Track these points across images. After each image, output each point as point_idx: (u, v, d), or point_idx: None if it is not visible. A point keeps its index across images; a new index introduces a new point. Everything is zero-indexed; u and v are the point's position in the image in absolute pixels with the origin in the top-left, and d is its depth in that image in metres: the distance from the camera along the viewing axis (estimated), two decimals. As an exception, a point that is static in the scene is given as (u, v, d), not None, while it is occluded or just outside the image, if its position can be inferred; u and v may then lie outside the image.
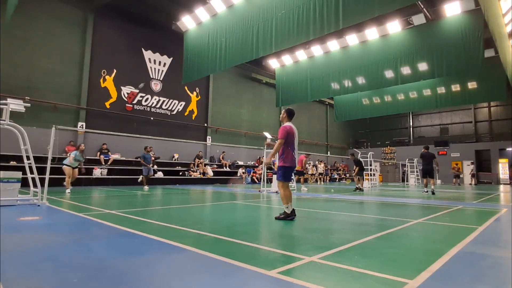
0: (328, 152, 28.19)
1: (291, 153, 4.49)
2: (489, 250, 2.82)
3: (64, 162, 9.17)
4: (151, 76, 15.78)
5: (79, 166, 9.55)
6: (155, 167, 14.26)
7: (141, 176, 11.70)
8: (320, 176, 23.19)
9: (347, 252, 2.65)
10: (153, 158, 12.66)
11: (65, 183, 9.09)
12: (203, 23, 12.43)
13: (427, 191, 10.77)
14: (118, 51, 14.61)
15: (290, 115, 4.81)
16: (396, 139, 29.88)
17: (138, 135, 13.69)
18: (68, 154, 10.22)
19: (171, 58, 16.56)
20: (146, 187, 11.43)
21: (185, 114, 17.11)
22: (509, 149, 23.36)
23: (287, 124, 4.65)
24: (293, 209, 4.41)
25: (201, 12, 12.09)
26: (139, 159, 12.08)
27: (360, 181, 12.64)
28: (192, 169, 16.04)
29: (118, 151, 14.11)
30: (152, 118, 15.53)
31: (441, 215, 5.25)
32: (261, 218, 4.78)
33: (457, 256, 2.56)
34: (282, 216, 4.38)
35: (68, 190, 8.70)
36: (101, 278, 1.94)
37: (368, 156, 15.18)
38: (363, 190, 12.12)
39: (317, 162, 24.59)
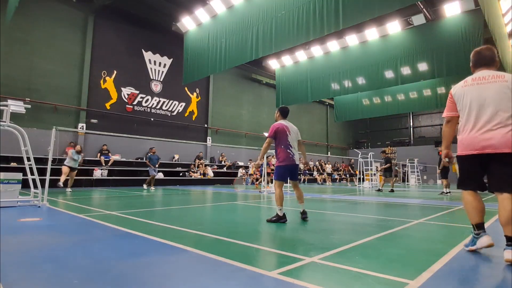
0: (329, 152, 28.18)
1: (285, 151, 4.32)
2: (490, 250, 2.81)
3: (65, 162, 9.84)
4: (151, 77, 15.80)
5: (78, 167, 9.92)
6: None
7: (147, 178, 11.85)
8: (329, 176, 23.61)
9: (348, 253, 2.65)
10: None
11: (60, 179, 9.76)
12: (203, 24, 12.45)
13: (449, 192, 10.53)
14: (118, 52, 14.63)
15: (283, 113, 4.59)
16: (397, 139, 29.86)
17: (138, 136, 13.70)
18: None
19: (171, 59, 16.58)
20: (151, 187, 11.54)
21: (185, 115, 17.13)
22: (509, 149, 23.28)
23: (278, 122, 4.50)
24: (284, 213, 4.24)
25: (201, 13, 12.11)
26: (145, 160, 12.22)
27: (385, 181, 12.08)
28: (192, 170, 16.04)
29: (119, 152, 14.12)
30: (152, 119, 15.54)
31: (442, 215, 5.25)
32: (261, 219, 4.77)
33: (458, 256, 2.56)
34: (274, 218, 4.25)
35: (60, 184, 9.43)
36: (101, 279, 1.94)
37: (369, 156, 15.18)
38: (393, 191, 11.47)
39: (322, 163, 24.96)
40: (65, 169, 9.70)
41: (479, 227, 2.58)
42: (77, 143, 12.86)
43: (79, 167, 10.24)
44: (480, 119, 2.48)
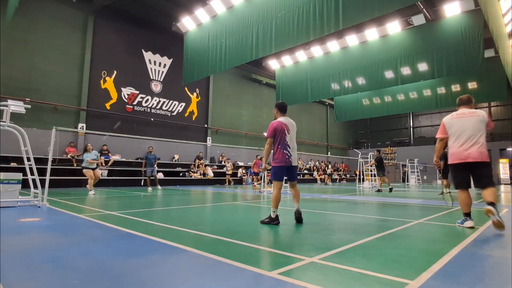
0: (329, 152, 28.19)
1: (281, 152, 4.13)
2: (490, 250, 2.82)
3: (83, 165, 9.22)
4: (152, 77, 15.80)
5: (97, 167, 9.48)
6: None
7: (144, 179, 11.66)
8: (329, 176, 23.68)
9: (348, 253, 2.65)
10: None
11: (87, 185, 9.18)
12: (203, 24, 12.45)
13: (449, 192, 10.41)
14: (118, 52, 14.63)
15: (282, 108, 4.40)
16: (397, 139, 29.88)
17: (138, 136, 13.70)
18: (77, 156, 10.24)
19: (171, 59, 16.58)
20: (150, 188, 11.44)
21: (185, 115, 17.12)
22: (509, 149, 23.34)
23: (277, 120, 4.31)
24: (277, 215, 4.07)
25: (201, 13, 12.11)
26: (142, 160, 12.08)
27: (381, 181, 12.18)
28: (192, 170, 16.04)
29: (119, 152, 14.11)
30: (152, 119, 15.54)
31: (442, 215, 5.25)
32: (261, 219, 4.76)
33: (458, 257, 2.56)
34: (266, 220, 4.12)
35: (92, 192, 8.74)
36: (101, 279, 1.94)
37: (369, 156, 15.18)
38: (392, 189, 11.71)
39: (323, 163, 25.03)
40: (89, 173, 9.05)
41: (467, 215, 3.92)
42: (77, 143, 12.89)
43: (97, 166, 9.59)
44: (463, 139, 3.88)
